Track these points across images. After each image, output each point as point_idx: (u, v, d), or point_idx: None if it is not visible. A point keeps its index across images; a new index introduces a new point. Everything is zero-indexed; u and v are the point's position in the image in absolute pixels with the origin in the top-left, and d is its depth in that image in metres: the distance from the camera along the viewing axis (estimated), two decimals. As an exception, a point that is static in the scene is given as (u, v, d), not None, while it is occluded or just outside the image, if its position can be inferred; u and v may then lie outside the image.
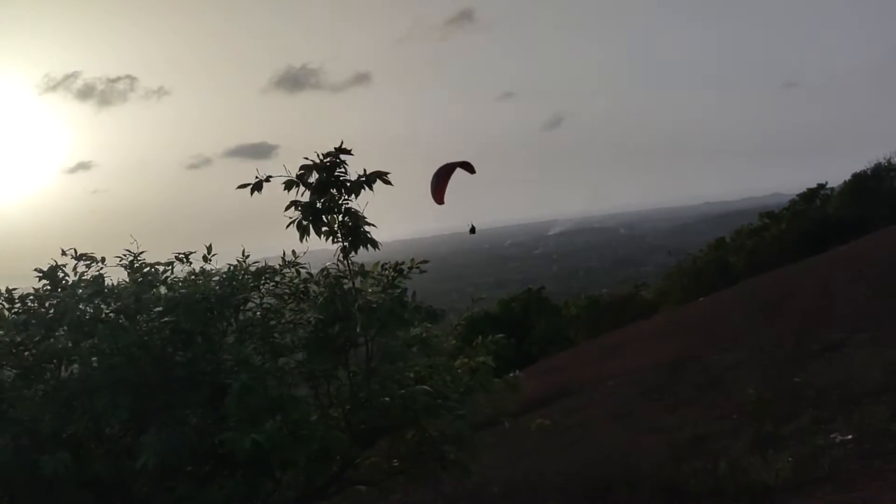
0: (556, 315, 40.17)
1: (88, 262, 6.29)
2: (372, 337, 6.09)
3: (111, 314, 6.09)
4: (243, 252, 6.71)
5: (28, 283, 6.51)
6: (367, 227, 6.04)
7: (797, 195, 45.13)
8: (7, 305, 6.37)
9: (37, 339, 5.87)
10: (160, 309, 5.87)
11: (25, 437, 5.37)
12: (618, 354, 19.84)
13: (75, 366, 5.79)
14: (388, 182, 5.98)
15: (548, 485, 8.91)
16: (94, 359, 5.59)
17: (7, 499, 5.35)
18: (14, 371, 5.83)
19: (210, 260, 6.65)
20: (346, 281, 6.18)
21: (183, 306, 5.71)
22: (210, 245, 6.72)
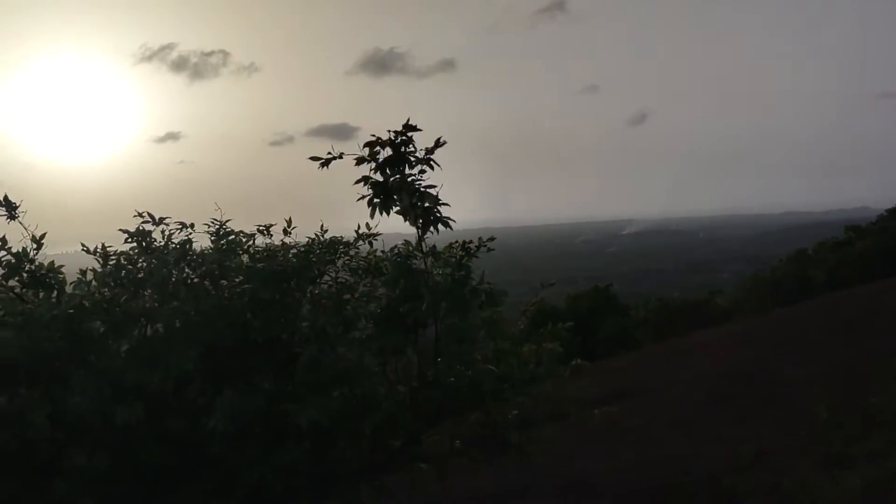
0: (624, 315, 39.65)
1: (179, 227, 6.56)
2: (440, 318, 6.19)
3: (195, 278, 6.36)
4: (322, 227, 6.90)
5: (113, 243, 6.84)
6: (439, 208, 6.12)
7: (886, 210, 43.22)
8: (101, 262, 6.71)
9: (125, 297, 6.17)
10: (241, 277, 6.12)
11: (109, 389, 5.67)
12: (685, 360, 19.55)
13: (159, 325, 6.08)
14: (440, 144, 5.96)
15: (603, 484, 8.88)
16: (176, 320, 5.86)
17: (90, 448, 5.66)
18: (103, 325, 6.14)
19: (290, 233, 6.86)
20: (416, 261, 6.29)
21: (262, 276, 5.93)
22: (290, 219, 6.93)
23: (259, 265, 6.14)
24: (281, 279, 6.04)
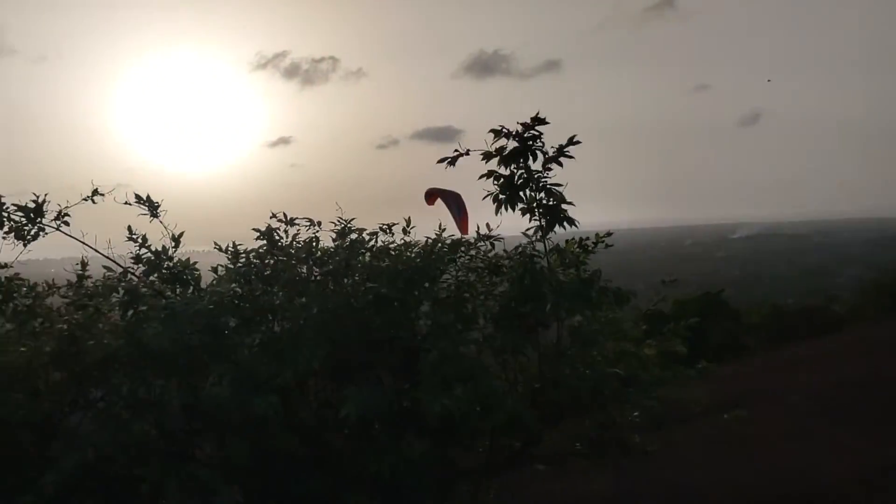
0: (735, 321, 38.15)
1: (308, 224, 6.80)
2: (562, 318, 6.17)
3: (320, 276, 6.58)
4: (440, 226, 7.00)
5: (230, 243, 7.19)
6: (565, 206, 6.11)
7: None
8: (232, 259, 7.05)
9: (257, 293, 6.46)
10: (365, 275, 6.29)
11: (243, 380, 5.94)
12: (801, 368, 18.67)
13: (286, 322, 6.33)
14: (575, 142, 5.94)
15: (723, 494, 8.61)
16: (303, 317, 6.08)
17: (228, 437, 5.95)
18: (235, 320, 6.44)
19: (409, 232, 7.00)
20: (539, 260, 6.28)
21: (386, 275, 6.08)
22: (409, 218, 7.09)
23: (383, 264, 6.29)
24: (404, 278, 6.16)
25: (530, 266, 6.14)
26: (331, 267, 6.40)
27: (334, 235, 7.00)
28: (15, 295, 6.37)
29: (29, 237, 6.36)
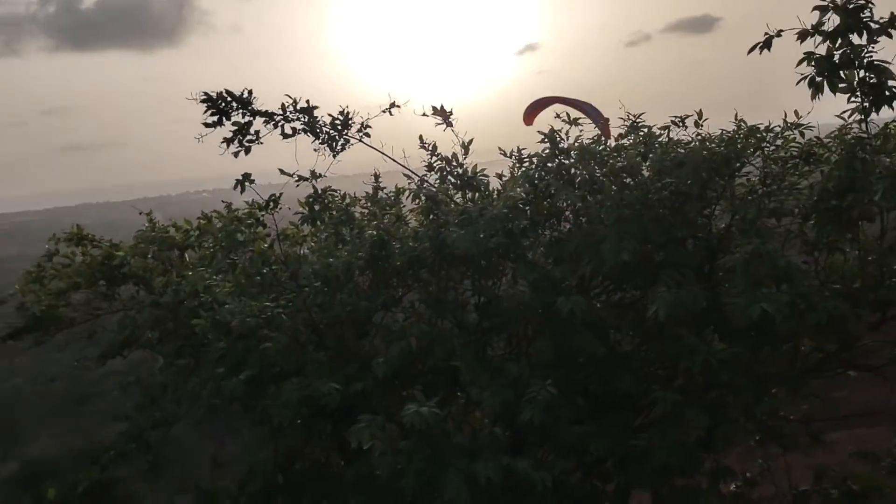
0: None
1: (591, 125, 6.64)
2: (889, 210, 5.48)
3: (611, 174, 6.42)
4: (736, 116, 6.48)
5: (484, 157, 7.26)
6: (893, 83, 5.35)
7: None
8: (518, 165, 7.14)
9: (547, 195, 6.48)
10: (660, 170, 6.03)
11: (541, 280, 6.06)
12: None
13: (581, 222, 6.31)
14: None
15: None
16: (602, 214, 6.00)
17: (530, 331, 6.18)
18: (525, 222, 6.54)
19: (702, 125, 6.57)
20: (864, 145, 5.58)
21: (689, 166, 5.77)
22: (700, 110, 6.63)
23: (682, 152, 5.98)
24: (704, 168, 5.82)
25: (858, 151, 5.47)
26: (624, 164, 6.21)
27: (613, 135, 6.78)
28: (330, 205, 6.95)
29: (338, 148, 6.85)
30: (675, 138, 6.61)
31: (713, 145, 5.94)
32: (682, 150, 6.10)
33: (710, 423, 5.50)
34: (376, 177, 8.19)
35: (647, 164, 6.20)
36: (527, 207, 6.62)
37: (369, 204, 7.88)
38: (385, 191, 8.06)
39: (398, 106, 6.77)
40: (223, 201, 7.71)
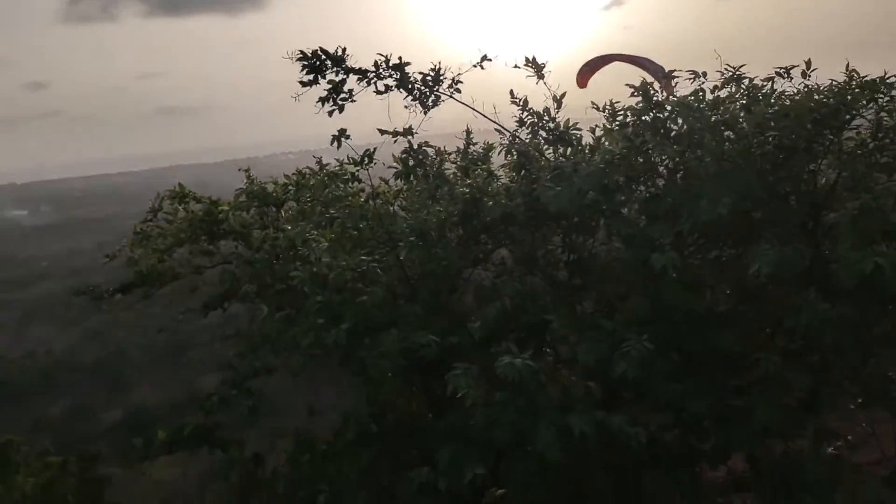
0: None
1: (691, 77, 6.42)
2: None
3: (710, 128, 6.21)
4: (847, 66, 6.13)
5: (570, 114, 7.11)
6: None
7: None
8: (610, 119, 6.99)
9: (644, 149, 6.32)
10: (763, 123, 5.80)
11: (638, 237, 5.95)
12: None
13: (679, 176, 6.14)
14: None
15: None
16: (701, 168, 5.83)
17: (623, 289, 6.09)
18: (621, 178, 6.41)
19: (809, 76, 6.25)
20: None
21: (794, 117, 5.52)
22: (809, 60, 6.31)
23: (784, 108, 5.72)
24: (811, 120, 5.55)
25: None
26: (724, 117, 5.98)
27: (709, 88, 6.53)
28: (425, 161, 6.98)
29: (429, 103, 6.87)
30: (780, 90, 6.33)
31: (821, 97, 5.65)
32: (787, 102, 5.83)
33: (813, 386, 5.33)
34: (468, 133, 8.19)
35: (749, 117, 5.94)
36: (622, 163, 6.50)
37: (459, 159, 7.89)
38: (476, 146, 8.08)
39: (489, 59, 6.71)
40: (314, 156, 7.86)
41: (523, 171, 6.65)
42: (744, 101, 6.04)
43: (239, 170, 8.88)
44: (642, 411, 5.83)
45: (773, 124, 5.72)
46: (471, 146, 8.02)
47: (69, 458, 10.91)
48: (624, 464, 5.35)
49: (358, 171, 7.13)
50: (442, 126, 7.92)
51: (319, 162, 8.04)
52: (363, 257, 6.34)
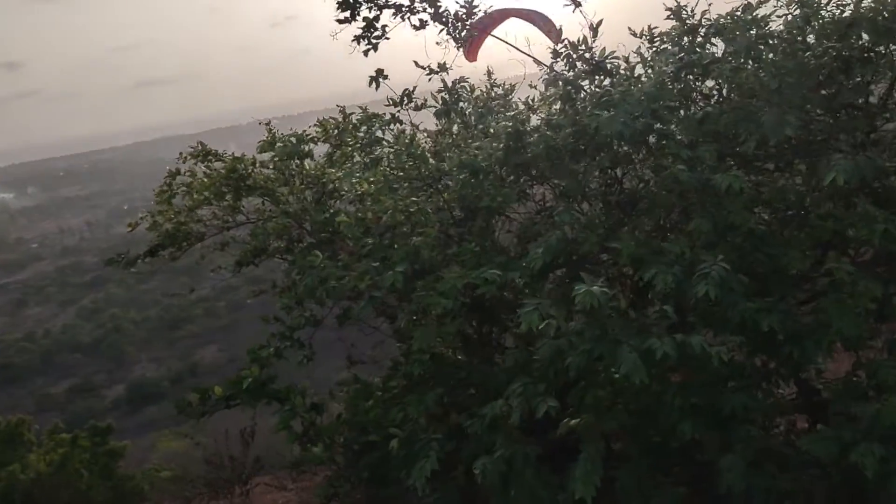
0: None
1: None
2: None
3: (768, 42, 6.09)
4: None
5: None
6: None
7: None
8: (648, 45, 6.86)
9: (693, 70, 6.20)
10: (823, 34, 5.68)
11: (695, 160, 5.84)
12: None
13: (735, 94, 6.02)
14: None
15: None
16: (761, 83, 5.71)
17: (684, 208, 6.01)
18: (673, 102, 6.29)
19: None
20: None
21: (868, 20, 5.38)
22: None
23: (847, 18, 5.59)
24: (880, 26, 5.43)
25: None
26: (780, 28, 5.85)
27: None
28: (461, 98, 6.83)
29: (462, 37, 6.69)
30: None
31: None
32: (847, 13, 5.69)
33: (884, 293, 5.29)
34: (489, 73, 8.08)
35: (813, 28, 5.80)
36: (679, 84, 6.39)
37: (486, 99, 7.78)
38: (502, 86, 7.95)
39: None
40: (360, 107, 7.67)
41: (569, 102, 6.50)
42: (800, 11, 5.88)
43: (260, 123, 8.68)
44: (709, 333, 5.78)
45: (835, 35, 5.59)
46: (494, 87, 7.91)
47: (79, 434, 10.86)
48: (701, 384, 5.31)
49: (399, 111, 6.97)
50: (475, 72, 7.79)
51: (343, 111, 7.88)
52: (413, 199, 6.21)
